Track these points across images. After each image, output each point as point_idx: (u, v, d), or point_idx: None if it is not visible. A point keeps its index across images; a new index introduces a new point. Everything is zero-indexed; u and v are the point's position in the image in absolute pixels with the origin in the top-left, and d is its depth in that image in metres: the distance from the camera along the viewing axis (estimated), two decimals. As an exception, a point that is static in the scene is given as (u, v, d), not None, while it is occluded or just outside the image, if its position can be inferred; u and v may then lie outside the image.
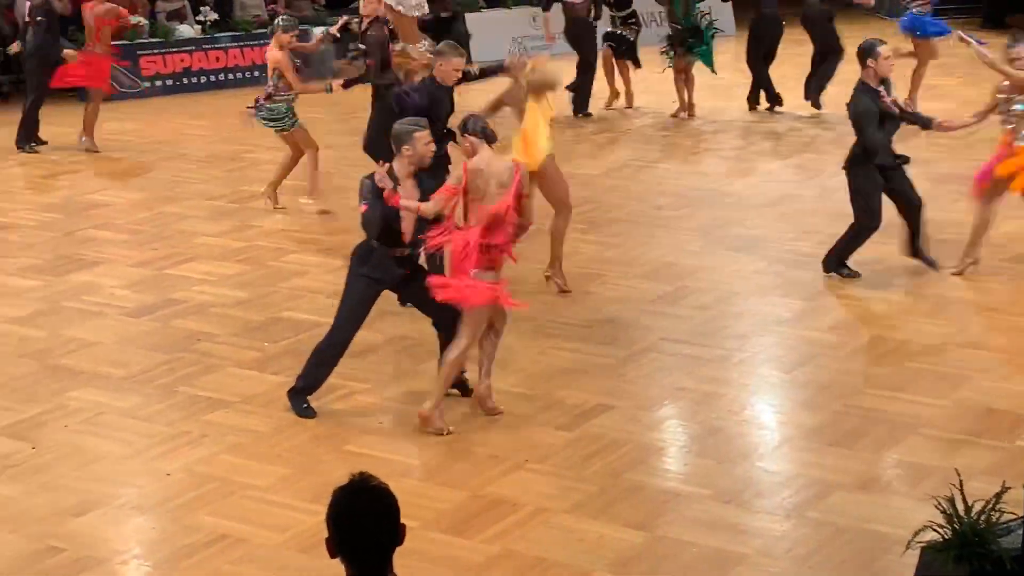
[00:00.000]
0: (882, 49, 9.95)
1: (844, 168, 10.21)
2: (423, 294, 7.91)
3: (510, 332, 9.24)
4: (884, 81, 10.04)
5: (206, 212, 12.65)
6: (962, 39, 11.24)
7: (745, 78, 16.64)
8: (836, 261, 10.26)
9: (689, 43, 15.92)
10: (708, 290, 10.13)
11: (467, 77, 9.82)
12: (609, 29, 16.64)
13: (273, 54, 12.17)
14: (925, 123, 10.31)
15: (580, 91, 16.20)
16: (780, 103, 16.32)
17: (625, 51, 16.49)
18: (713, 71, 16.21)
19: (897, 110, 10.04)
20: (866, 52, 9.97)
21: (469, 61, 16.11)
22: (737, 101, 16.61)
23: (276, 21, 12.53)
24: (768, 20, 16.10)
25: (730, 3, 20.82)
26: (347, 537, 3.65)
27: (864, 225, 10.09)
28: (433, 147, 7.87)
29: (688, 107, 16.25)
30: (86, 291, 10.40)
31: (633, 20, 16.50)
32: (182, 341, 9.33)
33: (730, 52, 18.52)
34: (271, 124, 12.30)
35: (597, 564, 6.41)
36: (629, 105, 16.84)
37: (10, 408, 8.29)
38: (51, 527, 6.83)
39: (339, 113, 16.10)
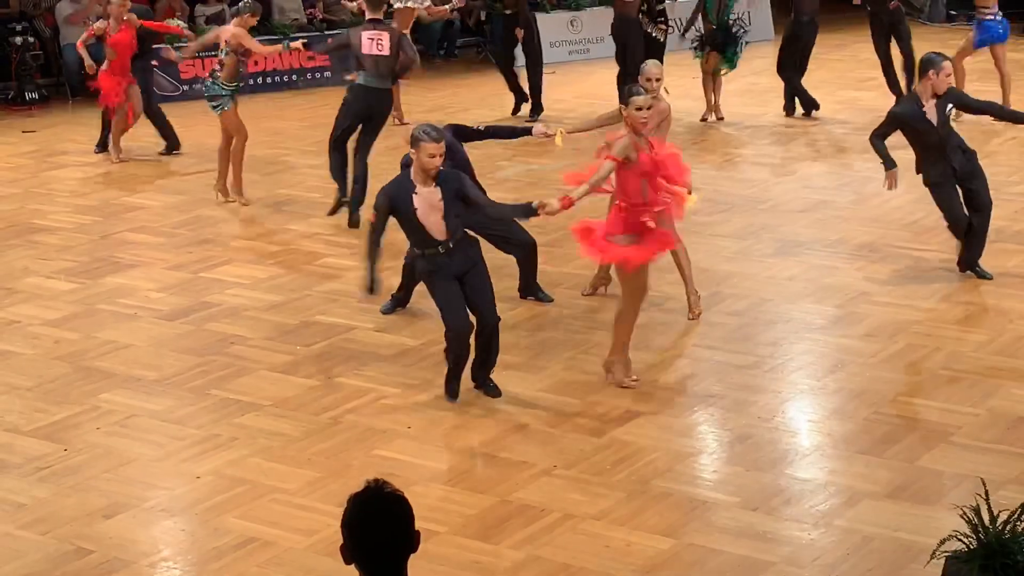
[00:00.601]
0: (946, 65, 9.94)
1: (924, 183, 10.20)
2: (479, 290, 8.17)
3: (542, 336, 9.29)
4: (947, 93, 10.01)
5: (242, 215, 12.73)
6: None
7: (781, 83, 16.53)
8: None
9: (719, 44, 15.86)
10: (741, 296, 10.10)
11: (472, 135, 9.92)
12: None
13: (233, 29, 12.57)
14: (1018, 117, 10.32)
15: None
16: (816, 107, 16.22)
17: (654, 52, 16.39)
18: (726, 71, 16.10)
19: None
20: (928, 64, 9.96)
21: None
22: (772, 106, 16.54)
23: (240, 4, 12.79)
24: (804, 25, 15.99)
25: (768, 8, 20.82)
26: (361, 544, 3.66)
27: (954, 228, 10.18)
28: (437, 161, 8.00)
29: (715, 109, 16.20)
30: (121, 294, 10.47)
31: (662, 20, 16.44)
32: (215, 344, 9.39)
33: (768, 57, 18.45)
34: (210, 103, 12.68)
35: (624, 571, 6.40)
36: None
37: (43, 410, 8.36)
38: (80, 528, 6.89)
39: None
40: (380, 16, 12.26)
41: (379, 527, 3.65)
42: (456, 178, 8.18)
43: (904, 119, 10.12)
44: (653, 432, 7.88)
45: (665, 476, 7.32)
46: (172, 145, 15.19)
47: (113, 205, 13.14)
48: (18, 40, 17.99)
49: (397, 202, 8.04)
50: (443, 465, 7.53)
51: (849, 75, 18.42)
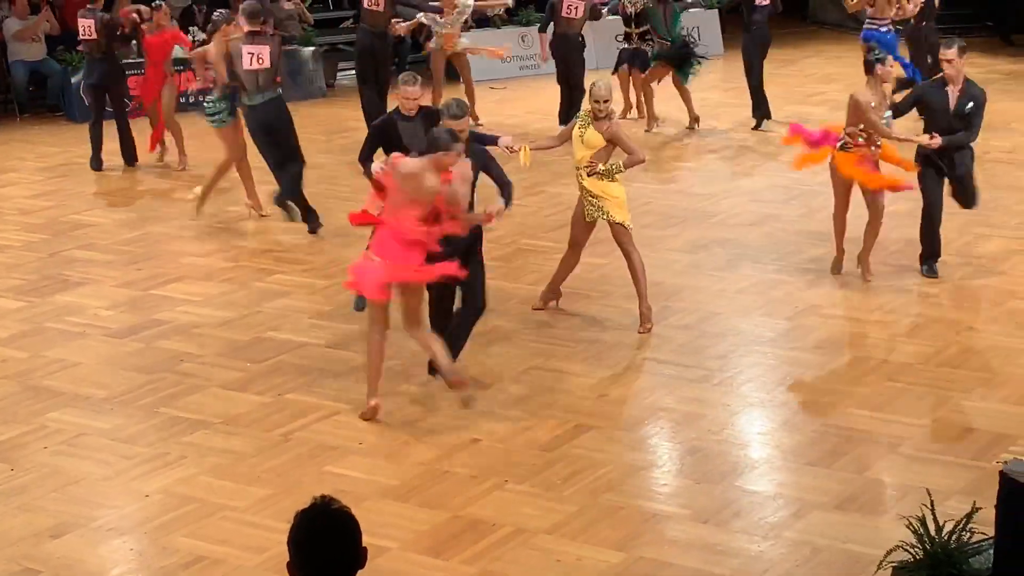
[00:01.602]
0: (944, 51, 10.37)
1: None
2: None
3: (493, 350, 9.30)
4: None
5: (192, 232, 12.66)
6: None
7: (732, 97, 16.62)
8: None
9: (677, 60, 15.93)
10: (692, 310, 10.14)
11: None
12: (625, 46, 16.65)
13: (212, 47, 12.67)
14: None
15: (572, 107, 16.12)
16: (768, 116, 16.26)
17: (639, 64, 16.50)
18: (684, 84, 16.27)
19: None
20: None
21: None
22: (722, 120, 16.60)
23: (214, 16, 12.81)
24: (758, 26, 16.01)
25: (718, 24, 20.93)
26: (307, 561, 3.66)
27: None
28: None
29: (644, 116, 16.34)
30: (70, 312, 10.40)
31: (649, 36, 16.50)
32: (165, 361, 9.34)
33: (718, 72, 18.56)
34: (208, 118, 12.74)
35: (575, 585, 6.42)
36: (630, 113, 16.84)
37: (-10, 430, 8.30)
38: (27, 549, 6.83)
39: (326, 132, 16.17)
40: (258, 28, 12.16)
41: (326, 544, 3.65)
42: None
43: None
44: (604, 446, 7.90)
45: (616, 490, 7.35)
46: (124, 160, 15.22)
47: (61, 223, 13.04)
48: (-36, 58, 17.87)
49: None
50: (394, 480, 7.52)
51: (797, 90, 18.53)
